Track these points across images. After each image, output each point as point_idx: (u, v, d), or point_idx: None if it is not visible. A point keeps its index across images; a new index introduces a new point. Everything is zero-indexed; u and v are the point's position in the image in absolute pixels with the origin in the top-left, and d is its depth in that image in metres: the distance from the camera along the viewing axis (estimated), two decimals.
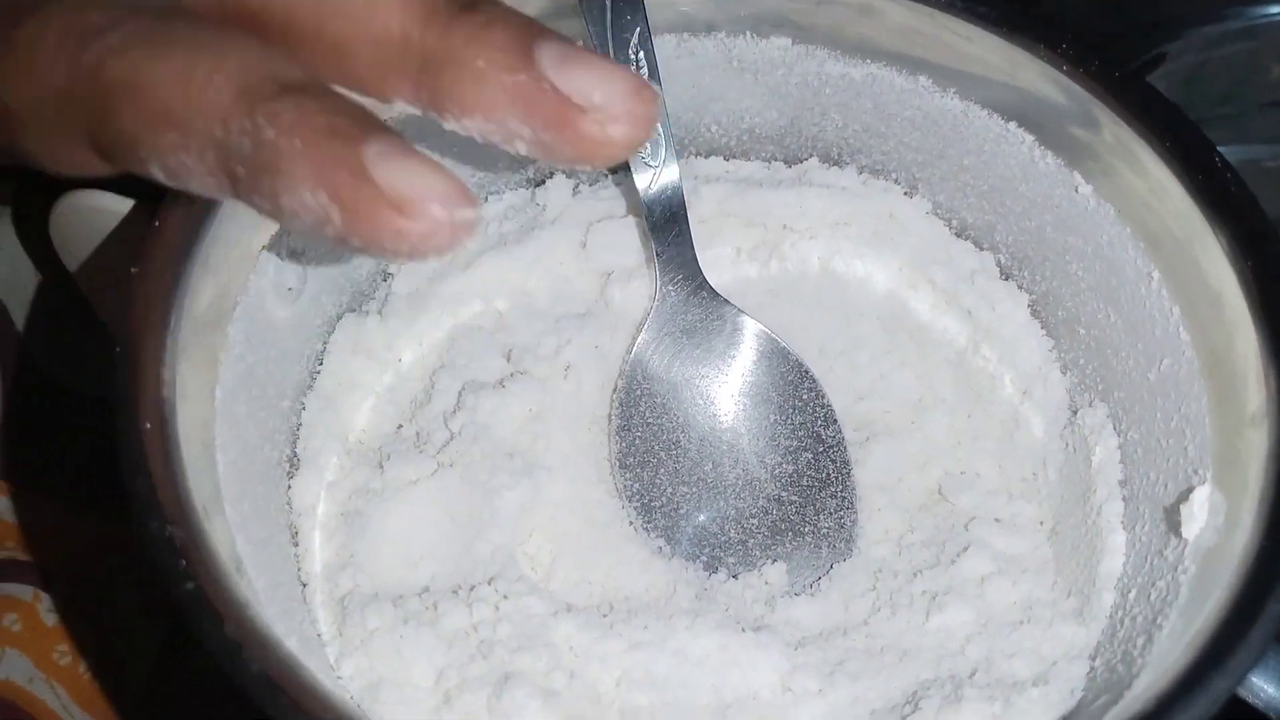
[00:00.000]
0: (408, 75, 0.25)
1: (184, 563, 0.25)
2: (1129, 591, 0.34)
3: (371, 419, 0.39)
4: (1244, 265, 0.31)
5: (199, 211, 0.31)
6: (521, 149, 0.25)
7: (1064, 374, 0.40)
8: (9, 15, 0.26)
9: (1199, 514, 0.31)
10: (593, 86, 0.24)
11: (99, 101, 0.24)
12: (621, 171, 0.43)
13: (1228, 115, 0.53)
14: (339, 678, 0.33)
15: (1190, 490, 0.32)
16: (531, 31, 0.25)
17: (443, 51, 0.25)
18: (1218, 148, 0.33)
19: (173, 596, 0.25)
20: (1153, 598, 0.32)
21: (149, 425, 0.27)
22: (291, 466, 0.37)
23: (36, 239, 0.39)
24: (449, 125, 0.25)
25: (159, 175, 0.25)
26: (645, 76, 0.38)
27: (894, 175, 0.43)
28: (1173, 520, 0.32)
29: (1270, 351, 0.30)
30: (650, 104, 0.25)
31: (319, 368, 0.39)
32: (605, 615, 0.35)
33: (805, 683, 0.34)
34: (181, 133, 0.24)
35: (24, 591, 0.40)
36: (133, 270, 0.30)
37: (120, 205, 0.35)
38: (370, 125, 0.23)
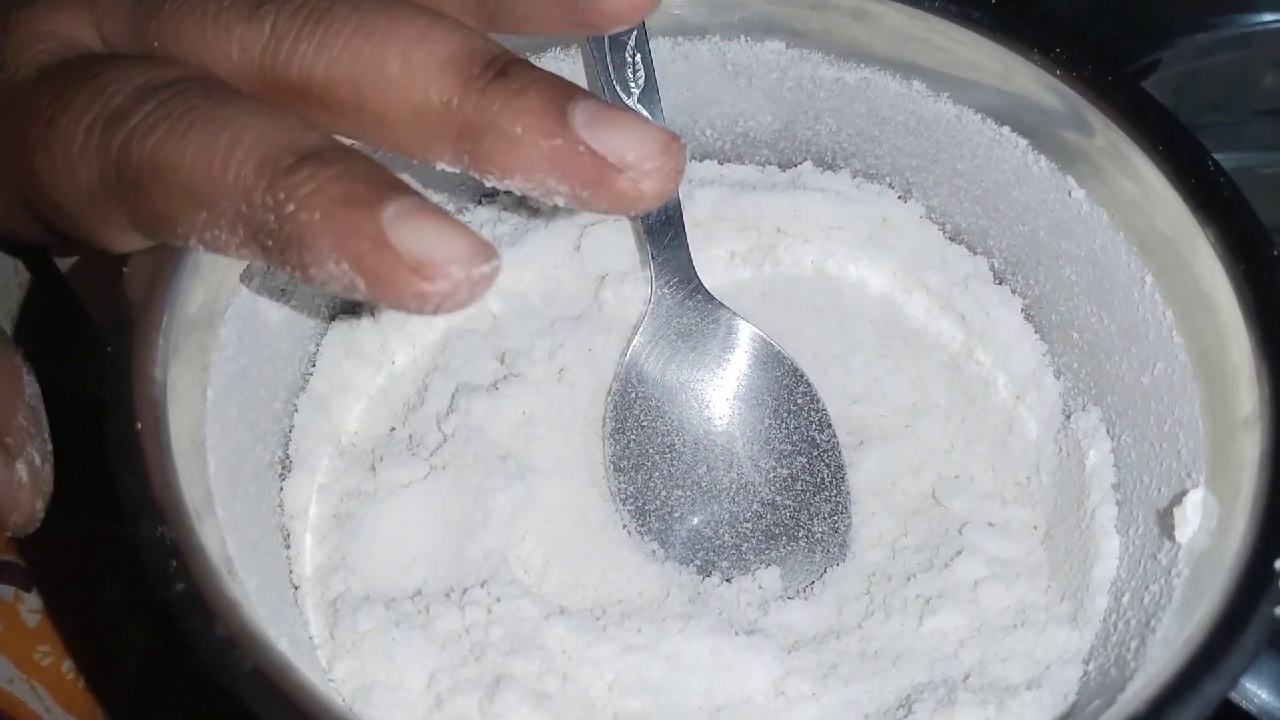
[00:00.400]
0: (448, 141, 0.26)
1: (175, 563, 0.25)
2: (1122, 595, 0.34)
3: (364, 421, 0.39)
4: (1236, 269, 0.31)
5: None
6: (559, 202, 0.26)
7: (1058, 378, 0.40)
8: (47, 111, 0.26)
9: (1192, 517, 0.31)
10: (626, 146, 0.25)
11: (130, 185, 0.25)
12: None
13: (1220, 123, 0.53)
14: (331, 680, 0.32)
15: (1183, 494, 0.32)
16: (564, 94, 0.25)
17: (481, 119, 0.25)
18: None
19: (163, 597, 0.25)
20: (1146, 601, 0.32)
21: (140, 425, 0.27)
22: (283, 468, 0.37)
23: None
24: (490, 183, 0.26)
25: (200, 249, 0.26)
26: (642, 79, 0.38)
27: (888, 179, 0.43)
28: (1166, 524, 0.32)
29: (1263, 355, 0.30)
30: (678, 157, 0.26)
31: (311, 369, 0.38)
32: (598, 618, 0.35)
33: (798, 686, 0.34)
34: (210, 211, 0.25)
35: (4, 592, 0.40)
36: (124, 270, 0.29)
37: None
38: (387, 186, 0.24)
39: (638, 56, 0.38)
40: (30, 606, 0.40)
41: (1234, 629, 0.26)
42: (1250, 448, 0.30)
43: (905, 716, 0.32)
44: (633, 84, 0.38)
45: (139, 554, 0.26)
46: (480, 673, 0.32)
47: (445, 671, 0.32)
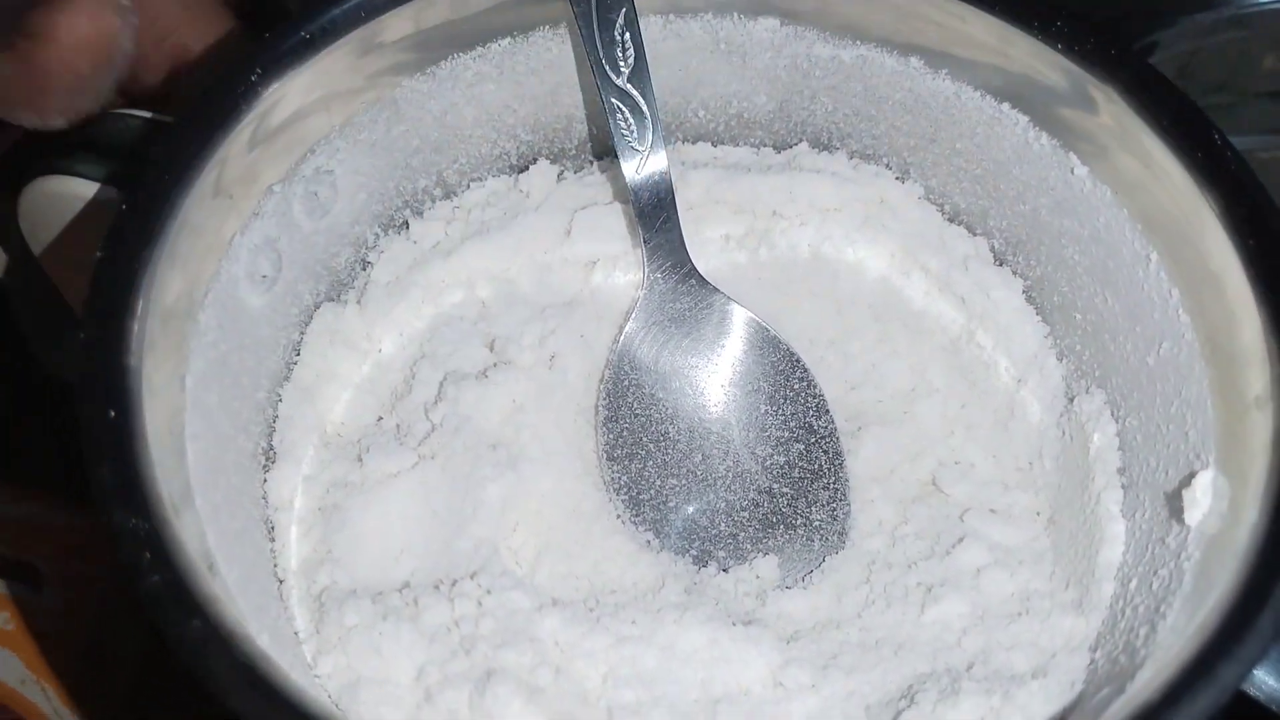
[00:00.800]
0: None
1: (149, 555, 0.24)
2: (1129, 581, 0.33)
3: (350, 410, 0.38)
4: (1246, 244, 0.31)
5: (168, 196, 0.30)
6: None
7: (1060, 360, 0.39)
8: None
9: (1202, 499, 0.30)
10: None
11: None
12: (607, 157, 0.42)
13: (1220, 105, 0.53)
14: (316, 676, 0.31)
15: (1192, 475, 0.31)
16: None
17: None
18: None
19: (139, 590, 0.24)
20: (1155, 587, 0.31)
21: (114, 414, 0.26)
22: (267, 459, 0.36)
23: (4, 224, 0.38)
24: None
25: None
26: (631, 58, 0.37)
27: (885, 160, 0.42)
28: (1175, 506, 0.32)
29: (1275, 333, 0.29)
30: None
31: (296, 358, 0.37)
32: (591, 609, 0.34)
33: (798, 677, 0.33)
34: None
35: (17, 590, 0.39)
36: (97, 255, 0.29)
37: (89, 191, 0.34)
38: None
39: (627, 35, 0.37)
40: (42, 607, 0.38)
41: (1249, 613, 0.25)
42: (1261, 428, 0.29)
43: (907, 707, 0.32)
44: (622, 63, 0.37)
45: (114, 546, 0.25)
46: (470, 666, 0.31)
47: (434, 665, 0.31)
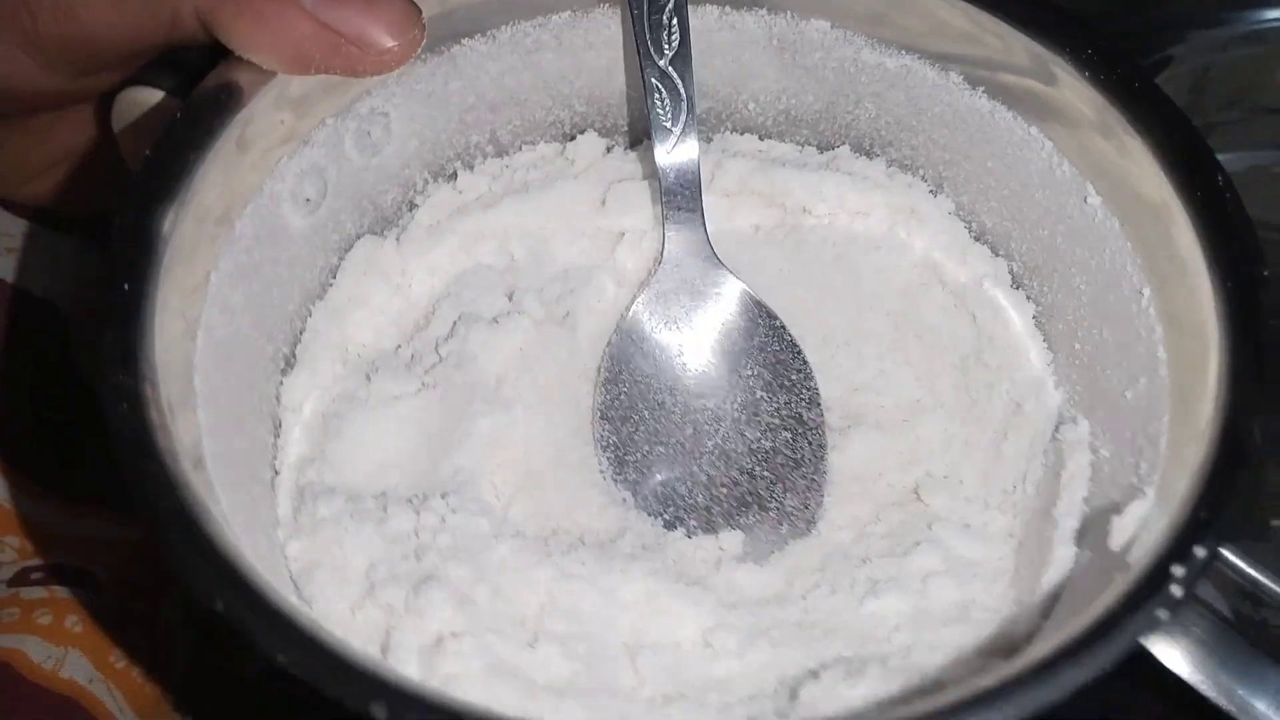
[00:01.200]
0: None
1: (126, 407, 0.28)
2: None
3: (373, 337, 0.41)
4: (1224, 285, 0.30)
5: (221, 112, 0.34)
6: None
7: (1057, 388, 0.39)
8: None
9: (1128, 526, 0.30)
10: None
11: None
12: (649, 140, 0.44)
13: (1233, 120, 0.52)
14: (284, 556, 0.35)
15: (1128, 504, 0.31)
16: None
17: None
18: (1221, 154, 0.32)
19: (114, 443, 0.27)
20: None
21: (127, 286, 0.30)
22: (287, 365, 0.39)
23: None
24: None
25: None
26: (676, 42, 0.39)
27: (921, 172, 0.43)
28: (1104, 531, 0.31)
29: (1226, 370, 0.29)
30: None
31: (332, 281, 0.41)
32: (546, 543, 0.36)
33: (725, 641, 0.34)
34: None
35: (83, 596, 0.41)
36: (147, 153, 0.32)
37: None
38: None
39: (674, 20, 0.39)
40: (105, 611, 0.40)
41: (1111, 624, 0.25)
42: (1192, 458, 0.29)
43: (812, 681, 0.32)
44: (666, 46, 0.39)
45: (101, 403, 0.28)
46: (415, 570, 0.34)
47: (384, 564, 0.34)
